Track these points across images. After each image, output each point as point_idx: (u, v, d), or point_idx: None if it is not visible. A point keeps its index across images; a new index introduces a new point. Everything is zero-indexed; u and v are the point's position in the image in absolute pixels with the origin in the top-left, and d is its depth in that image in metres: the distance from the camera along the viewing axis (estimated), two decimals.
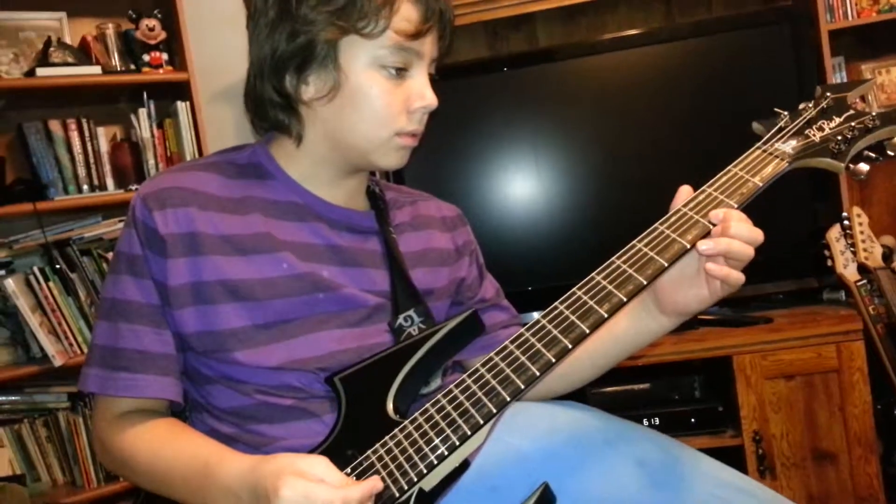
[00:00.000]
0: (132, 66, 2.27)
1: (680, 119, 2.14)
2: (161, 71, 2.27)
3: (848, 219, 2.02)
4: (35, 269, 2.13)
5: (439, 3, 0.92)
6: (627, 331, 0.97)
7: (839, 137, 0.91)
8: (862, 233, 2.00)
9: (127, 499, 2.15)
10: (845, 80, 2.30)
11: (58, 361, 2.08)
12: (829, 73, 2.16)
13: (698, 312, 0.90)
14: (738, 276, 0.85)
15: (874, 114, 0.93)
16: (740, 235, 0.83)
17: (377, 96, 0.91)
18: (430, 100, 0.93)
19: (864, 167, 0.93)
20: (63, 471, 2.20)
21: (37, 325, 2.09)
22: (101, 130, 2.26)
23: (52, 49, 2.14)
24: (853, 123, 0.92)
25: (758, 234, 0.85)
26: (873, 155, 0.94)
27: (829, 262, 2.01)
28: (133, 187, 2.25)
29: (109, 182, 2.26)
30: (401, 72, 0.91)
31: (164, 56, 2.27)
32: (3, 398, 2.18)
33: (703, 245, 0.83)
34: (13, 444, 2.16)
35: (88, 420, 2.17)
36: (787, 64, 2.07)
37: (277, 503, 0.72)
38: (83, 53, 2.22)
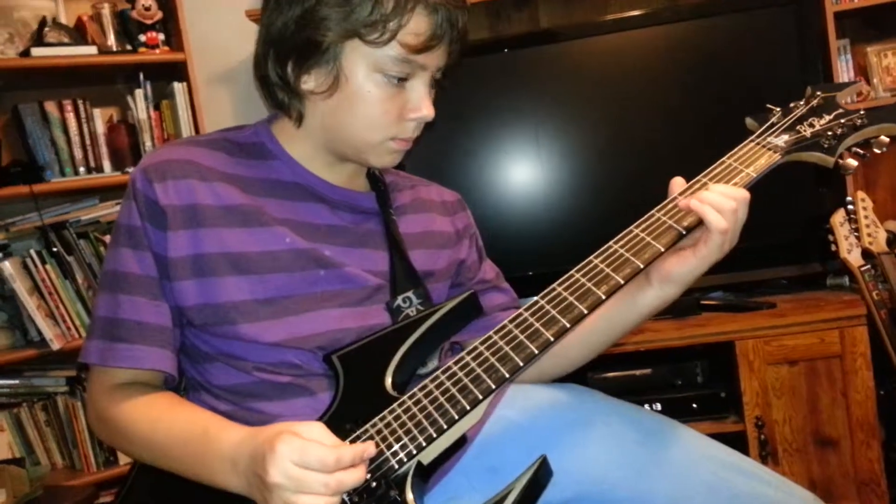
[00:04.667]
0: (128, 47, 2.25)
1: (682, 101, 2.11)
2: (157, 51, 2.24)
3: (852, 203, 2.01)
4: (32, 251, 2.12)
5: (453, 16, 0.90)
6: (615, 310, 0.97)
7: (829, 133, 0.96)
8: (866, 217, 1.99)
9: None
10: (850, 62, 2.27)
11: (56, 345, 2.07)
12: (833, 55, 2.13)
13: (689, 278, 0.90)
14: (716, 216, 0.85)
15: (862, 112, 0.97)
16: (719, 189, 0.87)
17: (374, 103, 0.91)
18: (425, 113, 0.93)
19: (853, 162, 0.96)
20: (62, 454, 2.20)
21: (34, 309, 2.08)
22: (97, 112, 2.24)
23: (47, 29, 2.11)
24: (842, 121, 0.97)
25: (739, 190, 0.87)
26: (861, 151, 0.98)
27: (833, 248, 1.99)
28: (130, 169, 2.23)
29: (106, 164, 2.25)
30: (401, 81, 0.91)
31: (161, 36, 2.25)
32: (2, 382, 2.18)
33: (684, 200, 0.87)
34: (12, 428, 2.16)
35: (86, 402, 2.16)
36: (792, 45, 2.04)
37: (273, 458, 0.73)
38: (78, 34, 2.19)
